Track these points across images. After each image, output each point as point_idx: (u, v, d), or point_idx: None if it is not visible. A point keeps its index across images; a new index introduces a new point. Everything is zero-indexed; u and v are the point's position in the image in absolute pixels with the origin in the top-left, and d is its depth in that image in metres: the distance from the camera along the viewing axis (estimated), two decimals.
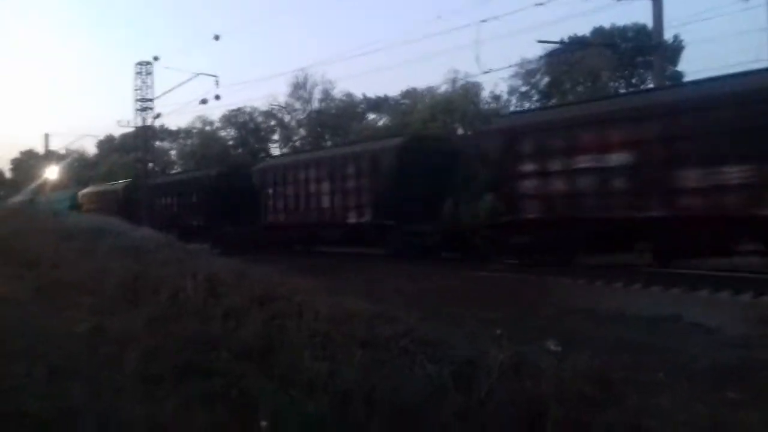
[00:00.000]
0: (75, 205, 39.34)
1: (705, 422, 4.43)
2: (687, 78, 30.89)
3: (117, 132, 61.49)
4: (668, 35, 25.54)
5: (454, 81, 41.20)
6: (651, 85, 26.25)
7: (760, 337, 8.31)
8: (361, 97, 51.73)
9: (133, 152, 38.26)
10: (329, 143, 45.02)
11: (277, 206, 24.37)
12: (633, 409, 4.48)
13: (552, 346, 7.59)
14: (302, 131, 50.57)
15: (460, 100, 38.19)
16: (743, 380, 6.49)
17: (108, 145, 65.12)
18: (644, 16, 27.10)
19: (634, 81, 36.65)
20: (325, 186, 21.82)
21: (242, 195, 25.96)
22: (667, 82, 23.22)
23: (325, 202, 21.74)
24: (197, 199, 29.38)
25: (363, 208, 20.19)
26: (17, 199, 42.11)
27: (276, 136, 54.90)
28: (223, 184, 27.62)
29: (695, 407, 4.91)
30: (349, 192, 20.86)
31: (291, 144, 50.80)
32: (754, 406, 5.47)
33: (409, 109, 43.49)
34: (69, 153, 60.91)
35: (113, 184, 40.42)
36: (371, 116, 50.97)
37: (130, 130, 38.38)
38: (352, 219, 20.76)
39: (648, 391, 5.31)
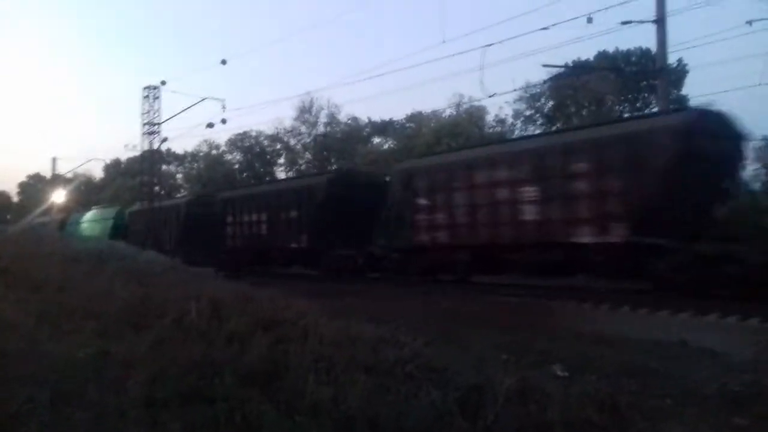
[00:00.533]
0: (121, 227, 36.18)
1: None
2: (692, 102, 30.97)
3: (124, 156, 62.04)
4: (672, 59, 25.73)
5: (458, 105, 41.56)
6: (656, 109, 26.32)
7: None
8: (366, 120, 52.11)
9: (140, 176, 38.37)
10: (335, 167, 45.18)
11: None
12: None
13: (558, 371, 7.56)
14: (308, 155, 50.84)
15: (465, 124, 38.42)
16: (750, 406, 6.42)
17: (115, 168, 65.61)
18: (648, 41, 27.30)
19: (638, 105, 36.79)
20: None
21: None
22: (672, 106, 23.30)
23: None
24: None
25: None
26: (29, 221, 41.64)
27: (281, 160, 55.19)
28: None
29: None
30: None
31: (296, 168, 51.02)
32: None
33: (414, 132, 43.74)
34: (76, 177, 61.28)
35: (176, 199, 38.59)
36: (376, 140, 51.27)
37: (137, 154, 38.60)
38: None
39: (655, 417, 5.26)
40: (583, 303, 13.29)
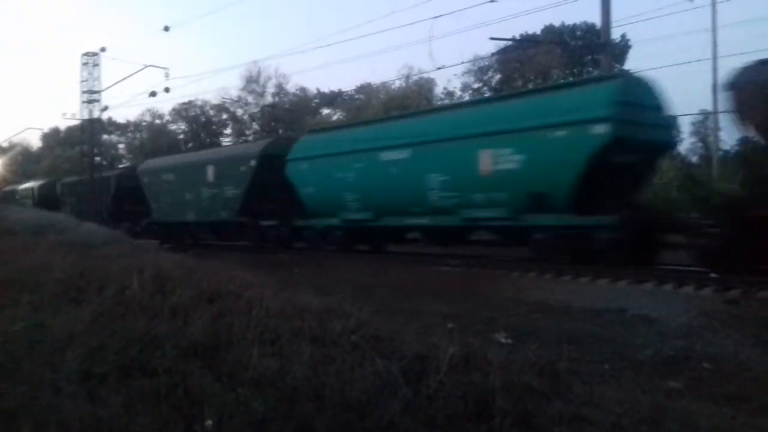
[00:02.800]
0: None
1: (647, 412, 4.55)
2: None
3: (63, 125, 59.93)
4: (616, 34, 26.17)
5: (408, 77, 41.46)
6: None
7: (700, 328, 8.59)
8: (315, 91, 51.55)
9: (79, 146, 37.13)
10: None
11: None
12: (578, 400, 4.57)
13: (502, 338, 7.73)
14: (255, 125, 50.08)
15: (414, 96, 38.41)
16: (684, 370, 6.71)
17: (53, 138, 63.30)
18: (594, 15, 27.65)
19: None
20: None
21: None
22: None
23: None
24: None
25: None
26: None
27: (228, 130, 54.22)
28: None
29: (638, 397, 5.04)
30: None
31: (243, 139, 50.22)
32: (694, 395, 5.66)
33: (363, 104, 43.49)
34: (12, 146, 58.93)
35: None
36: (325, 111, 50.82)
37: (77, 122, 37.31)
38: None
39: (593, 381, 5.43)
40: (528, 273, 13.56)
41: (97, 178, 32.65)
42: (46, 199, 35.36)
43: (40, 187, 38.32)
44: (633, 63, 35.84)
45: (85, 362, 4.60)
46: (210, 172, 24.06)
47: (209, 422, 3.60)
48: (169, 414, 3.75)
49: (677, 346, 7.66)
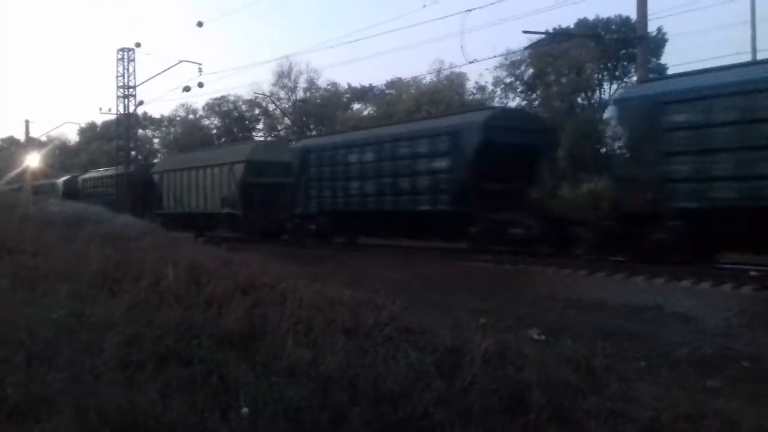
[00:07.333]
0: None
1: (684, 409, 4.46)
2: (671, 70, 31.09)
3: (99, 119, 60.95)
4: (652, 27, 25.65)
5: (439, 71, 41.21)
6: (635, 78, 26.38)
7: (739, 326, 8.40)
8: (346, 86, 51.59)
9: (115, 140, 37.80)
10: (313, 132, 44.86)
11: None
12: (614, 396, 4.50)
13: (535, 335, 7.65)
14: (287, 120, 50.36)
15: (446, 91, 38.17)
16: (722, 369, 6.56)
17: (90, 132, 64.43)
18: (629, 9, 27.21)
19: (617, 73, 36.79)
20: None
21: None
22: (651, 75, 23.33)
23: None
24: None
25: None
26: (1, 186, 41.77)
27: (261, 125, 54.64)
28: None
29: (675, 394, 4.95)
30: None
31: (276, 133, 50.55)
32: (732, 394, 5.53)
33: (394, 99, 43.40)
34: (50, 140, 60.13)
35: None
36: (356, 106, 50.84)
37: (112, 117, 37.95)
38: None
39: (629, 378, 5.35)
40: (562, 269, 13.41)
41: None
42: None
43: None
44: (669, 57, 35.15)
45: (123, 350, 4.68)
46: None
47: (245, 409, 3.63)
48: (205, 401, 3.79)
49: (715, 344, 7.50)
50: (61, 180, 42.62)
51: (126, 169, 33.78)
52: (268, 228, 23.44)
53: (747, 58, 22.81)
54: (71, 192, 38.01)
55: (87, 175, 40.39)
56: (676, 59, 58.81)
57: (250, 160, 23.95)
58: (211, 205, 25.81)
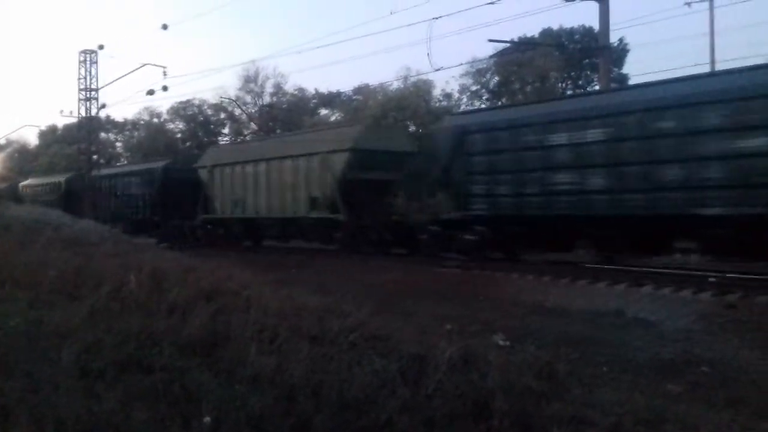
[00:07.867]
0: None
1: (645, 414, 4.53)
2: (633, 80, 31.73)
3: (60, 122, 59.73)
4: (614, 38, 26.20)
5: (406, 78, 41.28)
6: (597, 87, 26.84)
7: (699, 332, 8.58)
8: (313, 92, 51.44)
9: (77, 143, 37.06)
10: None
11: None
12: (577, 401, 4.55)
13: (500, 340, 7.70)
14: (253, 125, 49.95)
15: (412, 98, 38.27)
16: (682, 374, 6.69)
17: (50, 135, 63.03)
18: (592, 19, 27.66)
19: (580, 82, 37.41)
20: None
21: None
22: (613, 84, 23.78)
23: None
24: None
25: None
26: None
27: (226, 130, 54.10)
28: None
29: (636, 399, 5.03)
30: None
31: (242, 138, 50.11)
32: (692, 399, 5.64)
33: (361, 105, 43.39)
34: (9, 143, 58.72)
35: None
36: (323, 111, 50.70)
37: (74, 120, 37.21)
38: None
39: (592, 384, 5.42)
40: (526, 275, 13.54)
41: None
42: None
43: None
44: (631, 67, 35.91)
45: (82, 358, 4.57)
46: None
47: (207, 419, 3.58)
48: (167, 410, 3.72)
49: (676, 349, 7.64)
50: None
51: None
52: (370, 236, 18.76)
53: (706, 68, 23.49)
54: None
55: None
56: (637, 69, 60.14)
57: (357, 149, 18.62)
58: (293, 208, 20.86)
